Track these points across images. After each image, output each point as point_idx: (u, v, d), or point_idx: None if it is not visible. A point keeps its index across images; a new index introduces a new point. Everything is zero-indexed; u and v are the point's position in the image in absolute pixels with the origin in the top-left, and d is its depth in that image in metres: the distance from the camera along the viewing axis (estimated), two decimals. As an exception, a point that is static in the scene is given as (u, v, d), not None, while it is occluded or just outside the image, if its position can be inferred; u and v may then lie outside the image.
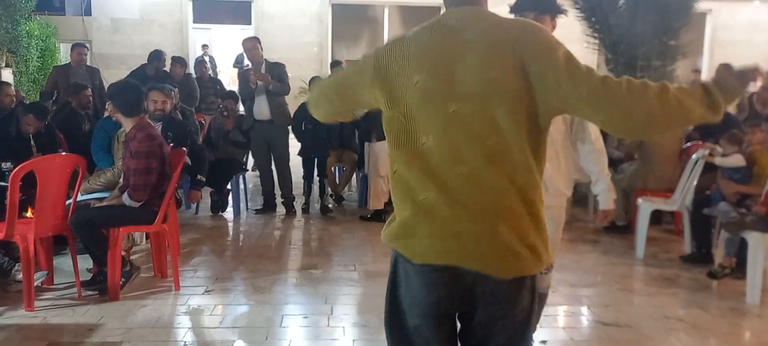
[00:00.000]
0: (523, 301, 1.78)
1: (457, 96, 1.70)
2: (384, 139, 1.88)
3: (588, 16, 7.99)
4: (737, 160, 5.26)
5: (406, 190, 1.78)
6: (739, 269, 4.81)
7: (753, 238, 4.58)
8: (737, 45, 12.29)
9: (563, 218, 3.24)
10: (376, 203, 6.79)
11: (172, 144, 5.08)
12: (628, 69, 7.53)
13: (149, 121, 4.68)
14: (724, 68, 1.73)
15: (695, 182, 5.56)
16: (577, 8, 8.03)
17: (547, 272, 3.18)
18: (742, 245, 4.75)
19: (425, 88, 1.72)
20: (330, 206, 7.21)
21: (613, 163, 7.04)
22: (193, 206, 6.89)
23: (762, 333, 4.15)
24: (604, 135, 7.21)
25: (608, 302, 4.59)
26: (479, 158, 1.68)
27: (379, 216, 6.71)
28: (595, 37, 8.18)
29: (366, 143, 6.95)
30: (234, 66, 14.65)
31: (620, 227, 6.34)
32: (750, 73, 1.71)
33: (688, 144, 6.53)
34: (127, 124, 4.39)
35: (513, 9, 2.88)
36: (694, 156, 5.75)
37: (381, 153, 6.61)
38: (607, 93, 1.62)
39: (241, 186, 7.27)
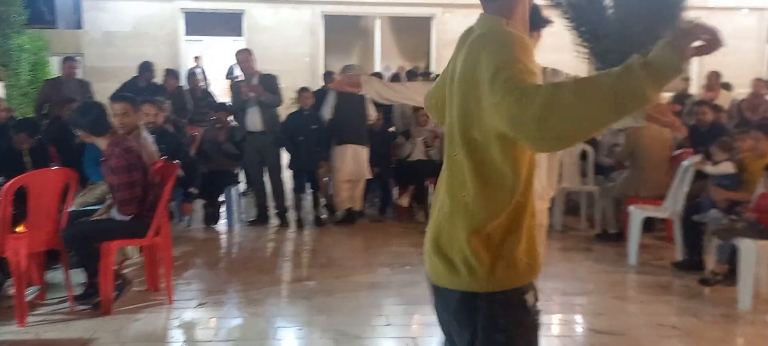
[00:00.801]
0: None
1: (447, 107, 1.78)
2: (343, 143, 1.96)
3: (577, 25, 8.05)
4: (727, 167, 5.30)
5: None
6: (730, 275, 4.84)
7: (744, 244, 4.61)
8: (725, 52, 12.27)
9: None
10: (341, 205, 7.04)
11: (164, 157, 5.07)
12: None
13: (121, 133, 4.61)
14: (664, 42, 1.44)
15: (686, 190, 5.59)
16: (566, 18, 8.10)
17: None
18: (734, 252, 4.78)
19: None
20: (324, 216, 7.20)
21: (604, 171, 7.10)
22: (186, 218, 6.88)
23: (754, 339, 4.17)
24: (595, 143, 7.26)
25: (602, 309, 4.61)
26: (447, 172, 1.79)
27: (352, 218, 6.96)
28: (584, 47, 8.24)
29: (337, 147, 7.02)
30: (226, 78, 14.64)
31: (612, 235, 6.37)
32: (688, 33, 1.43)
33: (679, 151, 6.57)
34: (102, 143, 4.33)
35: None
36: (684, 163, 5.78)
37: (340, 156, 6.94)
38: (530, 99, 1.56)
39: (234, 198, 7.27)
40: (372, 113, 7.30)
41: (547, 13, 2.91)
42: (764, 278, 4.85)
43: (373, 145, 7.49)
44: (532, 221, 1.72)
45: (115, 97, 5.25)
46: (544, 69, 2.80)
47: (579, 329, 4.38)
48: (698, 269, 5.24)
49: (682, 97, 8.70)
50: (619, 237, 6.26)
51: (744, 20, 13.33)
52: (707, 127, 6.62)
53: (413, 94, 2.83)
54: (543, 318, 1.76)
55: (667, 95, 9.62)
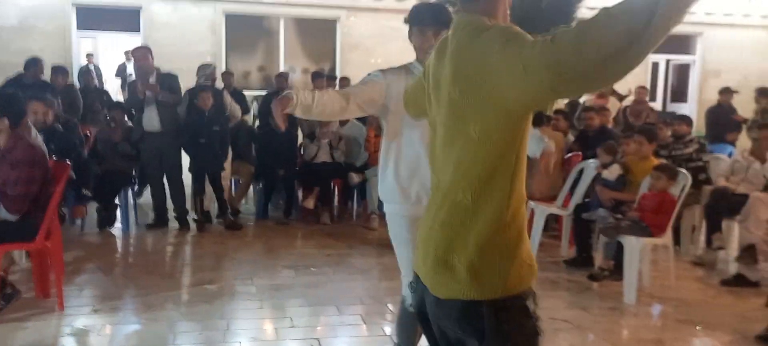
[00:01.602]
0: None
1: (436, 110, 1.78)
2: None
3: (516, 24, 8.29)
4: (616, 170, 5.64)
5: None
6: (616, 271, 5.15)
7: (628, 242, 4.93)
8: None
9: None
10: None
11: (54, 157, 4.82)
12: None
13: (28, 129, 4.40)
14: None
15: (583, 190, 5.90)
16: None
17: None
18: (620, 249, 5.09)
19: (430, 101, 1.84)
20: (236, 220, 7.04)
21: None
22: (78, 221, 6.55)
23: (638, 330, 4.46)
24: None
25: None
26: (441, 176, 1.76)
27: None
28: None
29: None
30: (116, 76, 14.07)
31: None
32: None
33: (569, 155, 6.92)
34: (2, 137, 4.12)
35: (410, 21, 2.83)
36: (579, 165, 6.12)
37: None
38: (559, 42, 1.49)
39: (131, 200, 6.99)
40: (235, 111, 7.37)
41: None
42: (647, 273, 5.19)
43: (278, 147, 7.43)
44: (524, 218, 1.68)
45: (34, 97, 4.98)
46: None
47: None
48: (588, 266, 5.55)
49: (572, 103, 9.18)
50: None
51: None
52: (594, 132, 7.01)
53: (333, 107, 2.76)
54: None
55: (563, 101, 10.10)
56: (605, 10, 1.32)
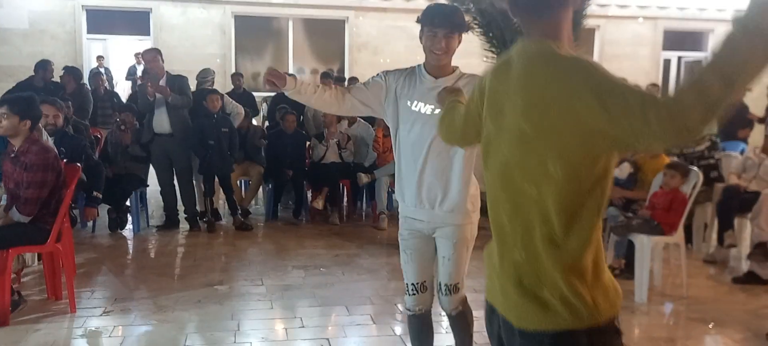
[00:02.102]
0: None
1: (501, 139, 1.67)
2: None
3: (486, 31, 8.29)
4: (625, 169, 5.61)
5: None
6: (627, 269, 5.13)
7: (639, 240, 4.90)
8: (623, 58, 13.11)
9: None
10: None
11: (65, 160, 4.85)
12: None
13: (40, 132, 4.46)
14: None
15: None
16: (475, 23, 8.32)
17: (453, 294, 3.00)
18: (630, 247, 5.07)
19: (486, 127, 1.73)
20: (245, 220, 7.05)
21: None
22: (90, 224, 6.59)
23: (650, 329, 4.44)
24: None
25: (510, 305, 4.77)
26: (514, 206, 1.66)
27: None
28: (492, 52, 8.50)
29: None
30: (126, 78, 14.15)
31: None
32: None
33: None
34: (17, 140, 4.17)
35: (422, 21, 2.81)
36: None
37: None
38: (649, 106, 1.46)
39: (142, 202, 7.03)
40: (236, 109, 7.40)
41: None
42: (658, 271, 5.16)
43: (286, 147, 7.45)
44: (601, 240, 1.62)
45: (45, 100, 5.04)
46: (463, 74, 2.84)
47: (488, 324, 4.51)
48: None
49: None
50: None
51: (640, 28, 14.13)
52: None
53: (332, 102, 2.90)
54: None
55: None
56: (698, 78, 1.33)
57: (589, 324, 1.55)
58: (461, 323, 3.09)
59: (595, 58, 14.30)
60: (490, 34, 8.30)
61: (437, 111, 2.71)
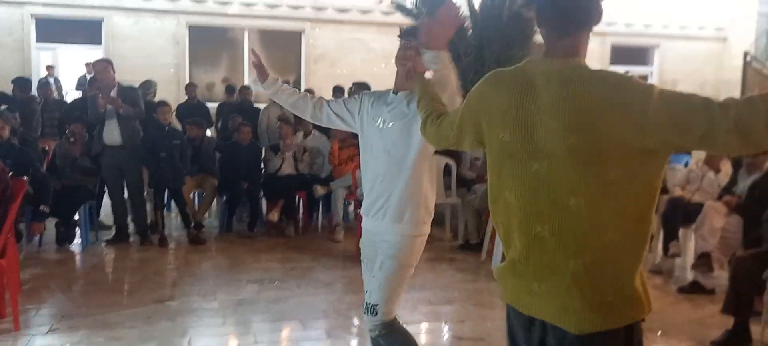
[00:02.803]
0: None
1: (535, 154, 1.70)
2: None
3: (476, 39, 8.40)
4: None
5: (504, 240, 1.89)
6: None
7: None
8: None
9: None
10: None
11: (11, 173, 4.71)
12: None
13: None
14: None
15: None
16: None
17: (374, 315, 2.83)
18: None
19: (508, 144, 1.75)
20: (199, 234, 6.94)
21: (467, 184, 7.43)
22: (36, 238, 6.41)
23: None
24: (458, 156, 7.55)
25: (464, 317, 4.83)
26: (555, 219, 1.69)
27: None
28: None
29: None
30: (76, 88, 13.83)
31: (474, 245, 6.68)
32: None
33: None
34: None
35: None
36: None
37: None
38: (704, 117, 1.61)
39: (91, 215, 6.87)
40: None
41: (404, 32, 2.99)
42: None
43: (241, 159, 7.39)
44: None
45: None
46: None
47: (444, 336, 4.55)
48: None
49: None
50: (479, 247, 6.57)
51: (589, 44, 14.46)
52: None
53: (302, 107, 3.05)
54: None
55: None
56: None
57: (643, 315, 1.71)
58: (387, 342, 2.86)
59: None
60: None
61: (391, 125, 2.78)
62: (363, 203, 2.96)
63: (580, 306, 1.67)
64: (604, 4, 1.73)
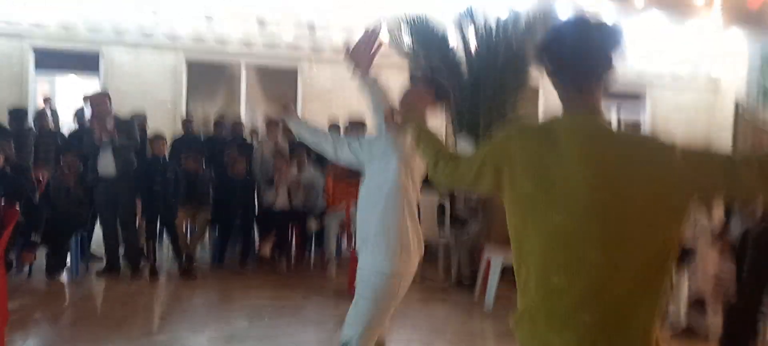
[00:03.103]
0: None
1: (558, 207, 1.71)
2: None
3: (472, 82, 8.49)
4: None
5: (521, 289, 1.85)
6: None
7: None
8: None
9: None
10: None
11: (3, 201, 4.70)
12: (471, 137, 8.03)
13: None
14: None
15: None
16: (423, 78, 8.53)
17: None
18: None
19: (532, 196, 1.75)
20: (190, 267, 6.89)
21: (460, 222, 7.43)
22: (26, 268, 6.35)
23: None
24: (452, 195, 7.56)
25: (455, 357, 4.78)
26: (577, 272, 1.70)
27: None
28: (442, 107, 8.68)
29: None
30: (73, 121, 13.84)
31: (467, 285, 6.64)
32: None
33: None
34: None
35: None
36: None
37: None
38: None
39: (82, 246, 6.82)
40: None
41: (412, 76, 3.08)
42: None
43: (235, 192, 7.38)
44: None
45: None
46: None
47: (434, 376, 4.50)
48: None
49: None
50: (472, 286, 6.54)
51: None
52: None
53: (325, 145, 3.02)
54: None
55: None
56: None
57: None
58: None
59: (540, 116, 14.80)
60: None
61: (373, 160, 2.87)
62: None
63: None
64: None
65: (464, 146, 7.66)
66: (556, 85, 1.79)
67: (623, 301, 1.64)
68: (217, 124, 9.75)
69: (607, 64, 1.74)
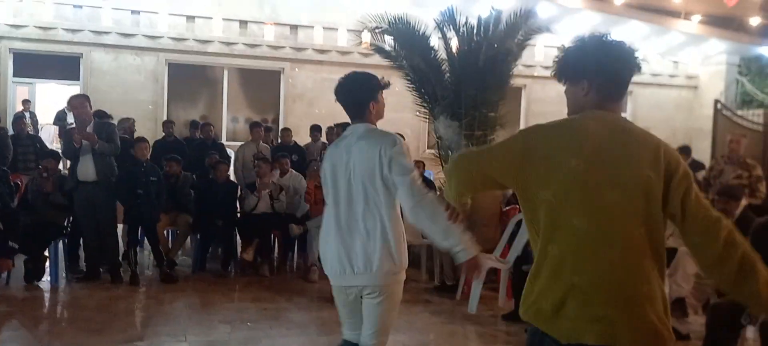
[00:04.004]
0: None
1: (612, 184, 1.91)
2: None
3: (417, 87, 8.51)
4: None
5: (555, 270, 1.93)
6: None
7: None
8: (548, 116, 13.40)
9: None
10: None
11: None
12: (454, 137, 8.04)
13: None
14: None
15: (523, 242, 5.99)
16: (408, 79, 8.53)
17: None
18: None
19: (580, 173, 1.91)
20: (171, 273, 6.83)
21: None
22: (4, 275, 6.27)
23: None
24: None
25: (437, 360, 4.78)
26: (627, 246, 1.89)
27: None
28: (424, 107, 8.71)
29: None
30: (54, 123, 13.72)
31: (449, 287, 6.66)
32: None
33: (508, 207, 7.06)
34: None
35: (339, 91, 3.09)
36: (516, 217, 6.20)
37: None
38: (713, 233, 1.93)
39: (61, 252, 6.74)
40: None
41: (390, 74, 3.10)
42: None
43: (217, 197, 7.34)
44: None
45: None
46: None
47: (416, 379, 4.50)
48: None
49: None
50: (455, 289, 6.55)
51: (563, 88, 14.72)
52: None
53: None
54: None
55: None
56: None
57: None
58: None
59: (522, 115, 14.87)
60: (422, 90, 8.52)
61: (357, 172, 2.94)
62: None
63: (647, 328, 1.88)
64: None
65: (441, 127, 7.69)
66: (594, 96, 2.05)
67: (654, 276, 1.92)
68: (201, 127, 9.69)
69: (635, 70, 2.09)
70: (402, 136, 3.18)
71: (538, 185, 1.94)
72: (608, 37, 2.06)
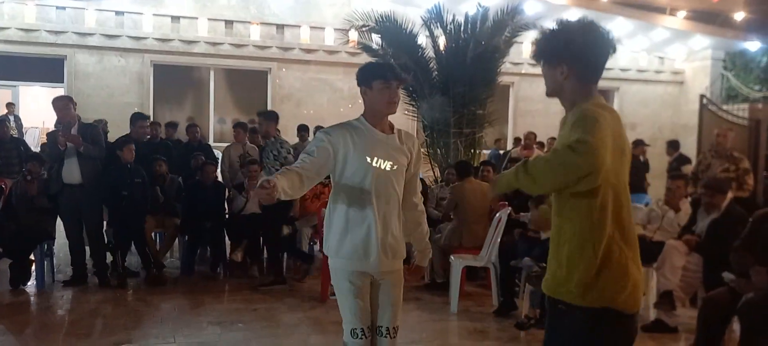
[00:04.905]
0: None
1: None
2: None
3: (406, 86, 8.51)
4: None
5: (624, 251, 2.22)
6: (542, 319, 5.22)
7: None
8: (536, 114, 13.60)
9: None
10: None
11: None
12: (442, 135, 8.05)
13: None
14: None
15: (499, 240, 6.00)
16: (396, 78, 8.53)
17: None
18: (545, 297, 5.17)
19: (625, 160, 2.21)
20: (160, 275, 6.76)
21: (433, 223, 7.42)
22: (-12, 280, 6.19)
23: (563, 377, 4.51)
24: (424, 195, 7.59)
25: (429, 357, 4.77)
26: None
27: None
28: (413, 106, 8.70)
29: None
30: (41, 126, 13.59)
31: (440, 284, 6.65)
32: None
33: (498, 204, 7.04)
34: None
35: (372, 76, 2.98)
36: (498, 214, 6.20)
37: None
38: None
39: (47, 256, 6.66)
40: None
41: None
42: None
43: (205, 198, 7.28)
44: None
45: None
46: (400, 130, 3.11)
47: (408, 377, 4.48)
48: (512, 309, 5.64)
49: (497, 154, 9.42)
50: (445, 285, 6.54)
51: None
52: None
53: (298, 187, 2.79)
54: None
55: (485, 152, 10.37)
56: None
57: None
58: None
59: (510, 113, 14.91)
60: (410, 88, 8.51)
61: (395, 167, 2.92)
62: (335, 244, 3.04)
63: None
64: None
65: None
66: (579, 82, 2.22)
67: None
68: (187, 128, 9.60)
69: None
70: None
71: (615, 174, 2.15)
72: (586, 20, 2.22)
